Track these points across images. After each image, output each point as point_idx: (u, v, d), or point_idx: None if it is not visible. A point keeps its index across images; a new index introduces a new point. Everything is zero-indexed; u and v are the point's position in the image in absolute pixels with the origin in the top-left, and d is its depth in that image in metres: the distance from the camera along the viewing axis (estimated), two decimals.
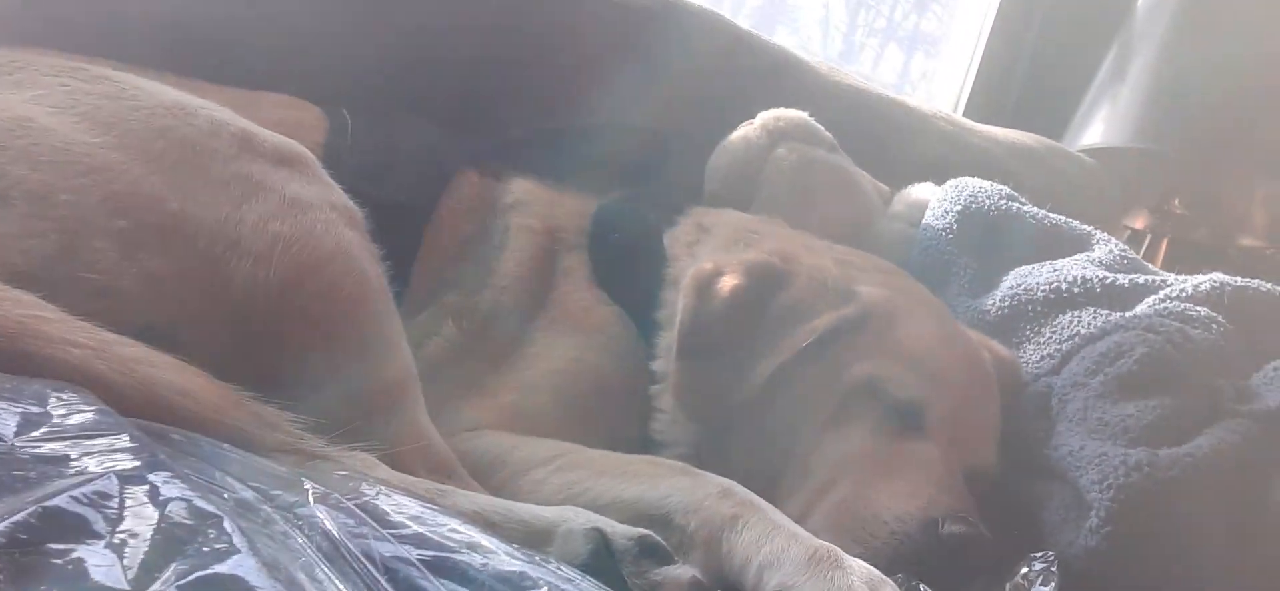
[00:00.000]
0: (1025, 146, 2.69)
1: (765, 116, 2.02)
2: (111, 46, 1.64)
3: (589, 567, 1.03)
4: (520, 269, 1.58)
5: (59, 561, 0.57)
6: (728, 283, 1.44)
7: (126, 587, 0.57)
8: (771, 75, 2.35)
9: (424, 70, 1.95)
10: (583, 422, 1.45)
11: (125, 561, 0.59)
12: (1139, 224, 3.21)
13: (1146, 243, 3.15)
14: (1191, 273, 2.68)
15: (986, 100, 3.45)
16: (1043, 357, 1.67)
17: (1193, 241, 3.19)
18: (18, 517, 0.57)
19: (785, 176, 1.95)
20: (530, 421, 1.41)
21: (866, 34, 4.51)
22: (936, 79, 3.86)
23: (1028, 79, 3.45)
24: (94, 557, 0.58)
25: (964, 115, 3.43)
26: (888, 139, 2.43)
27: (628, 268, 1.60)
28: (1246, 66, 2.79)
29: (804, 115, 2.04)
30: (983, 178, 2.35)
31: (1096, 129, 3.01)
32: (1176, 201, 3.12)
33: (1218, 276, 1.70)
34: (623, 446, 1.43)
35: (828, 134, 2.05)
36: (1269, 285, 1.70)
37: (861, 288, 1.48)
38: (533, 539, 1.06)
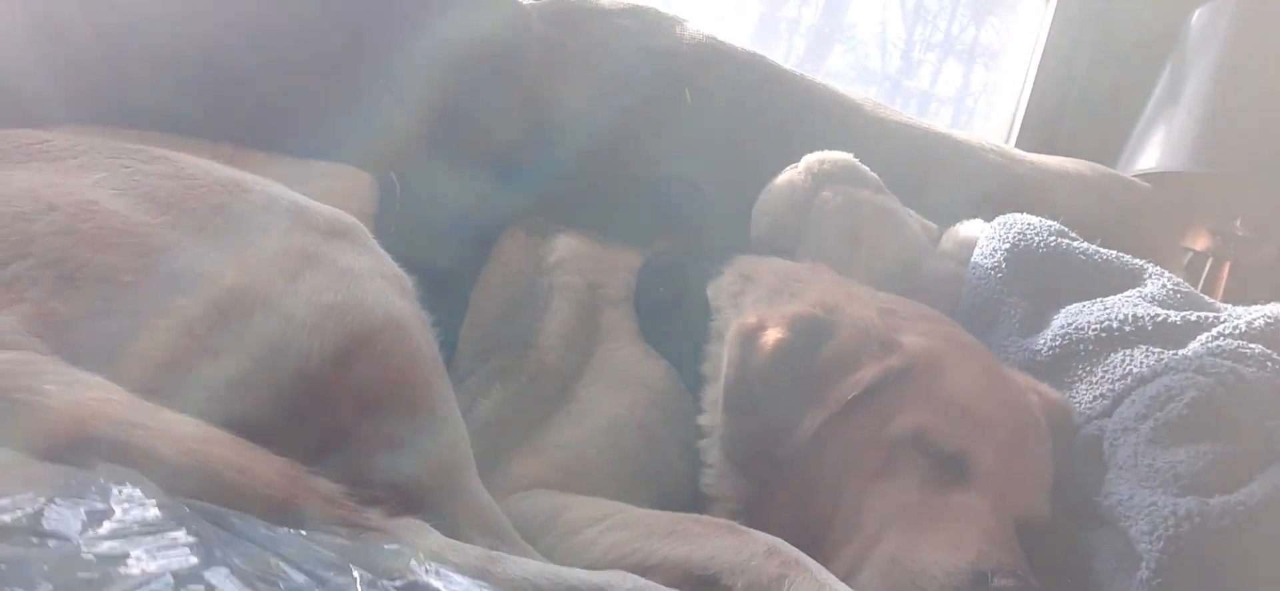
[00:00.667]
0: (1077, 174, 2.67)
1: (810, 159, 2.03)
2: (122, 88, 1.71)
3: None
4: (565, 328, 1.61)
5: None
6: (772, 335, 1.45)
7: None
8: (817, 116, 2.36)
9: (468, 128, 1.99)
10: (632, 478, 1.47)
11: None
12: (1200, 245, 3.16)
13: (1208, 265, 3.10)
14: (1258, 298, 2.66)
15: (1042, 117, 3.43)
16: (1095, 398, 1.66)
17: (1258, 263, 3.14)
18: None
19: (831, 219, 1.96)
20: (580, 478, 1.44)
21: (924, 49, 4.50)
22: (996, 92, 3.84)
23: (1081, 100, 3.43)
24: None
25: (1020, 135, 3.42)
26: (936, 175, 2.42)
27: (673, 321, 1.62)
28: None
29: (849, 156, 2.05)
30: (1033, 209, 2.34)
31: (1152, 153, 2.98)
32: (1238, 222, 3.07)
33: (1273, 310, 1.67)
34: (673, 500, 1.45)
35: (873, 174, 2.06)
36: None
37: (906, 337, 1.49)
38: None
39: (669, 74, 2.23)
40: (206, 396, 1.16)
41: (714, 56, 2.30)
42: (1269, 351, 1.59)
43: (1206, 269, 3.08)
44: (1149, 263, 1.96)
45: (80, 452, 0.94)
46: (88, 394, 1.03)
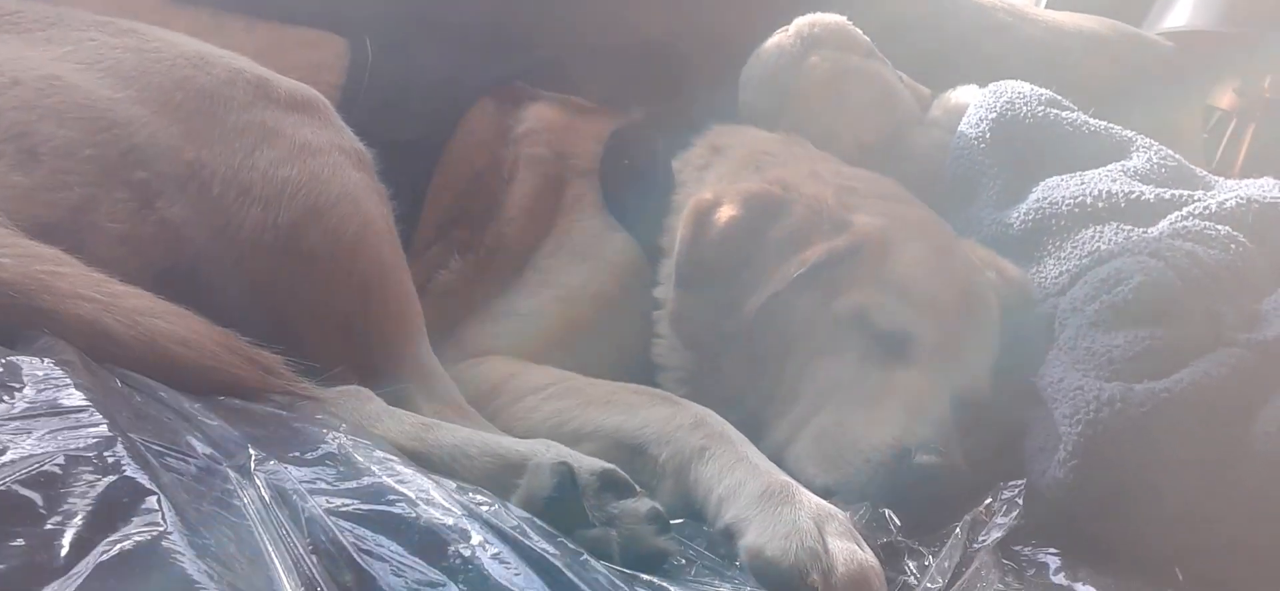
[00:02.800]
0: (1092, 32, 2.61)
1: (800, 22, 2.01)
2: None
3: (554, 500, 1.11)
4: (528, 200, 1.65)
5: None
6: (725, 213, 1.48)
7: (59, 563, 0.68)
8: None
9: None
10: (588, 347, 1.52)
11: (60, 542, 0.69)
12: (1225, 103, 3.09)
13: (1232, 126, 3.04)
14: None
15: None
16: (1060, 273, 1.66)
17: None
18: None
19: (817, 85, 1.95)
20: (535, 346, 1.50)
21: None
22: None
23: None
24: (33, 540, 0.69)
25: None
26: (941, 34, 2.39)
27: (636, 194, 1.65)
28: None
29: (841, 20, 2.02)
30: (1042, 70, 2.31)
31: (1182, 10, 2.90)
32: (1267, 82, 3.00)
33: (1246, 191, 1.66)
34: (629, 369, 1.51)
35: (865, 38, 2.03)
36: None
37: (858, 217, 1.50)
38: (506, 471, 1.15)
39: None
40: (161, 267, 1.22)
41: None
42: (1235, 233, 1.59)
43: (1230, 128, 3.02)
44: (1139, 136, 1.94)
45: (29, 324, 1.01)
46: (39, 266, 1.08)
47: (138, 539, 0.72)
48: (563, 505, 1.11)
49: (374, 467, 0.98)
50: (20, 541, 0.70)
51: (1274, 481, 1.29)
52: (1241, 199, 1.64)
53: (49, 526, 0.71)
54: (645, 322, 1.57)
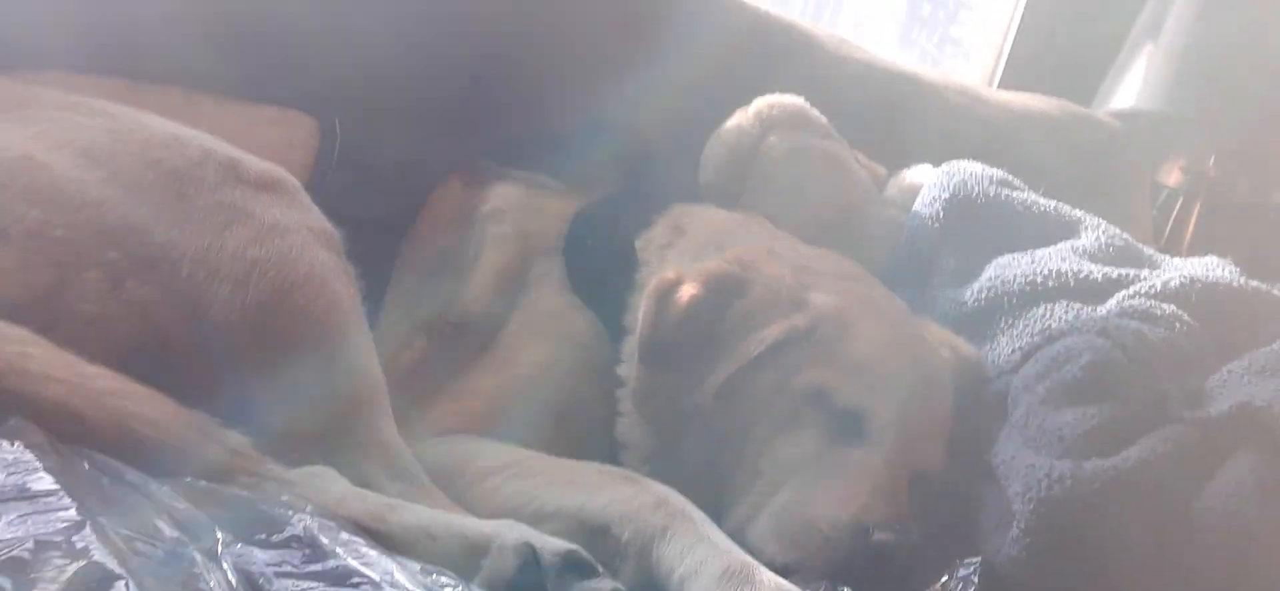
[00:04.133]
0: (1042, 113, 2.69)
1: (759, 103, 2.06)
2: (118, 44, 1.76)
3: (518, 581, 1.14)
4: (493, 278, 1.67)
5: None
6: (686, 291, 1.51)
7: None
8: (780, 55, 2.38)
9: (427, 68, 2.02)
10: (551, 426, 1.55)
11: None
12: (1172, 181, 3.19)
13: (1179, 204, 3.13)
14: (1229, 238, 2.71)
15: (1025, 59, 3.42)
16: (1014, 351, 1.71)
17: (1229, 203, 3.16)
18: None
19: (776, 165, 2.00)
20: (499, 425, 1.52)
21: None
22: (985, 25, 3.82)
23: (1068, 38, 3.41)
24: None
25: (1002, 78, 3.41)
26: (896, 114, 2.46)
27: (600, 273, 1.68)
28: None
29: (799, 101, 2.08)
30: (994, 150, 2.38)
31: (1130, 90, 2.99)
32: (1211, 161, 3.09)
33: (1190, 270, 1.72)
34: (592, 446, 1.53)
35: (822, 119, 2.09)
36: (1244, 280, 1.72)
37: (816, 296, 1.54)
38: (470, 552, 1.17)
39: (625, 11, 2.25)
40: (130, 346, 1.24)
41: None
42: (1179, 311, 1.64)
43: (1178, 205, 3.10)
44: (1087, 215, 2.00)
45: None
46: (9, 347, 1.10)
47: None
48: (526, 586, 1.13)
49: (339, 550, 0.99)
50: None
51: (1218, 557, 1.33)
52: (1185, 278, 1.70)
53: None
54: (608, 400, 1.59)
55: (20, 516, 0.81)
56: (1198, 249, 3.10)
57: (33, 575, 0.76)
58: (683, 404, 1.49)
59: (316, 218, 1.46)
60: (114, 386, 1.14)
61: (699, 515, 1.28)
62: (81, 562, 0.78)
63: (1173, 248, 3.10)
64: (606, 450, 1.55)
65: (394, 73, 1.93)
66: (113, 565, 0.79)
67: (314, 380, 1.34)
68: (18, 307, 1.18)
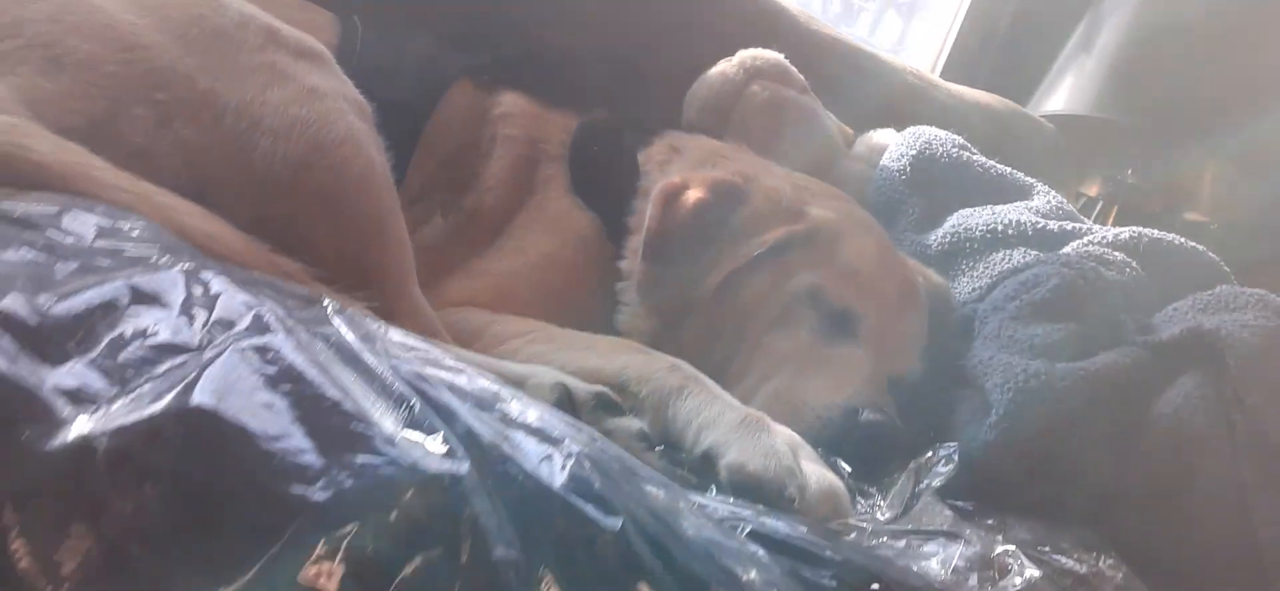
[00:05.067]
0: (988, 106, 2.87)
1: (744, 55, 2.18)
2: None
3: None
4: (504, 173, 1.76)
5: (143, 319, 0.75)
6: (693, 195, 1.61)
7: (195, 344, 0.75)
8: (756, 20, 2.51)
9: None
10: (556, 309, 1.62)
11: (192, 326, 0.77)
12: (1093, 191, 3.39)
13: (1098, 209, 3.33)
14: None
15: (964, 62, 3.61)
16: (974, 288, 1.84)
17: (1143, 212, 3.37)
18: (114, 285, 0.75)
19: (757, 111, 2.11)
20: (508, 303, 1.59)
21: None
22: (924, 40, 4.00)
23: (1005, 45, 3.61)
24: (168, 320, 0.76)
25: (943, 75, 3.60)
26: (858, 86, 2.60)
27: (603, 178, 1.77)
28: (1206, 47, 2.96)
29: (779, 57, 2.20)
30: (946, 127, 2.53)
31: (1061, 95, 3.19)
32: (1130, 171, 3.30)
33: (1137, 228, 1.88)
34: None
35: (800, 76, 2.22)
36: (1183, 239, 1.88)
37: (812, 208, 1.66)
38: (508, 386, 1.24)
39: None
40: (172, 185, 1.28)
41: None
42: (1128, 259, 1.79)
43: (1096, 211, 3.30)
44: (1039, 182, 2.16)
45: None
46: (74, 156, 1.14)
47: (256, 335, 0.79)
48: None
49: (414, 346, 1.05)
50: (153, 324, 0.76)
51: (1167, 457, 1.47)
52: (1133, 233, 1.86)
53: (178, 315, 0.78)
54: (607, 293, 1.68)
55: (157, 253, 0.87)
56: None
57: (181, 295, 0.81)
58: (684, 296, 1.58)
59: (350, 88, 1.51)
60: (174, 203, 1.18)
61: (708, 379, 1.37)
62: (219, 293, 0.84)
63: None
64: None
65: None
66: (245, 295, 0.84)
67: (347, 234, 1.39)
68: (69, 132, 1.21)
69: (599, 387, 1.25)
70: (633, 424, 1.23)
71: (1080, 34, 3.20)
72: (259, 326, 0.80)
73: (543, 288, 1.65)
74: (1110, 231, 1.87)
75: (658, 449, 1.26)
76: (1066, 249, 1.84)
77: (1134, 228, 1.88)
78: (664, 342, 1.60)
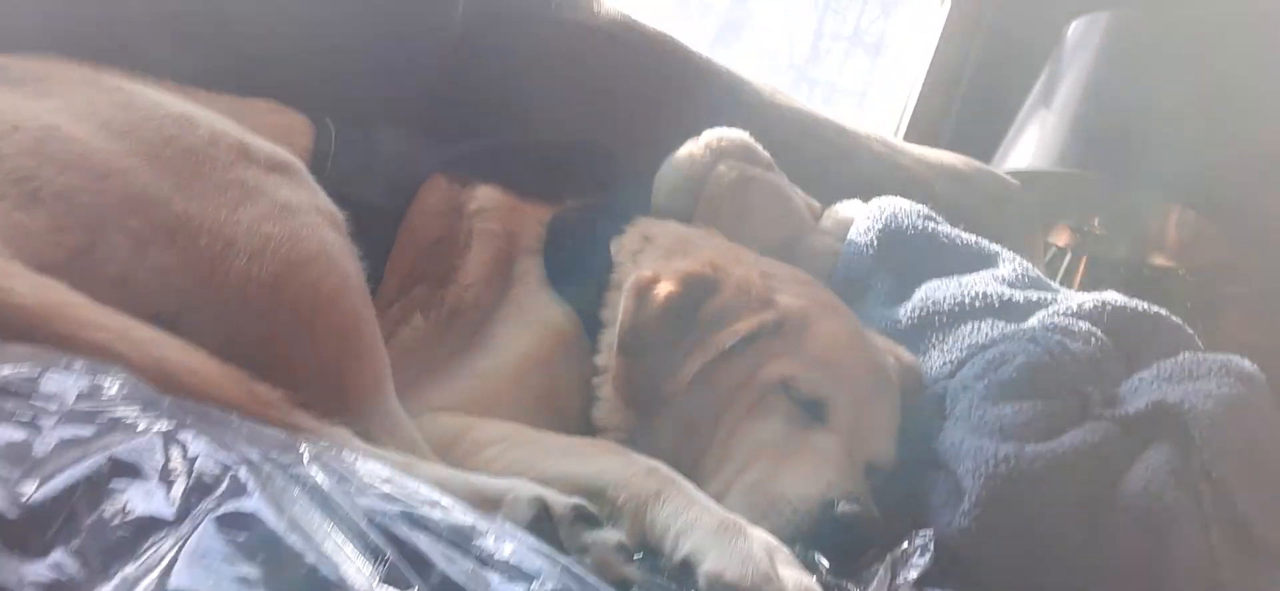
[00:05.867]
0: (953, 167, 2.91)
1: (709, 135, 2.21)
2: (110, 41, 1.82)
3: (532, 530, 1.22)
4: (482, 269, 1.78)
5: (122, 495, 0.76)
6: (664, 289, 1.63)
7: (173, 517, 0.76)
8: (720, 96, 2.55)
9: (397, 83, 2.13)
10: (534, 407, 1.64)
11: (170, 496, 0.78)
12: (1061, 241, 3.45)
13: (1067, 260, 3.38)
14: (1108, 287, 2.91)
15: (931, 113, 3.68)
16: (945, 363, 1.88)
17: (1111, 259, 3.43)
18: (93, 461, 0.76)
19: (724, 192, 2.14)
20: (487, 405, 1.61)
21: (832, 39, 4.70)
22: (892, 84, 4.06)
23: (968, 96, 3.68)
24: (147, 492, 0.77)
25: (908, 129, 3.66)
26: (824, 158, 2.64)
27: (577, 271, 1.79)
28: (1164, 97, 3.02)
29: (745, 135, 2.24)
30: (911, 196, 2.57)
31: (1025, 151, 3.24)
32: (1096, 221, 3.36)
33: (1103, 296, 1.91)
34: (568, 429, 1.63)
35: (766, 153, 2.25)
36: (1146, 306, 1.92)
37: (781, 296, 1.69)
38: (484, 505, 1.24)
39: (581, 47, 2.40)
40: (151, 312, 1.29)
41: (626, 34, 2.48)
42: (1093, 329, 1.83)
43: (1065, 262, 3.35)
44: (1004, 249, 2.19)
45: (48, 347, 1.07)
46: (53, 295, 1.15)
47: (233, 500, 0.81)
48: (540, 535, 1.22)
49: (390, 477, 1.07)
50: (132, 499, 0.78)
51: (1138, 532, 1.50)
52: (1097, 302, 1.89)
53: (156, 485, 0.80)
54: (585, 387, 1.70)
55: (135, 414, 0.88)
56: None
57: (159, 460, 0.82)
58: (659, 390, 1.60)
59: (323, 199, 1.53)
60: (152, 336, 1.19)
61: (687, 482, 1.39)
62: (197, 454, 0.85)
63: None
64: (581, 430, 1.65)
65: (373, 83, 2.03)
66: (223, 456, 0.86)
67: (323, 350, 1.41)
68: (50, 267, 1.22)
69: (576, 500, 1.26)
70: (611, 536, 1.24)
71: (1041, 89, 3.27)
72: (235, 488, 0.82)
73: (521, 386, 1.67)
74: (1074, 300, 1.91)
75: (637, 557, 1.27)
76: (1032, 320, 1.87)
77: (1098, 296, 1.91)
78: (641, 435, 1.63)
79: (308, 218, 1.48)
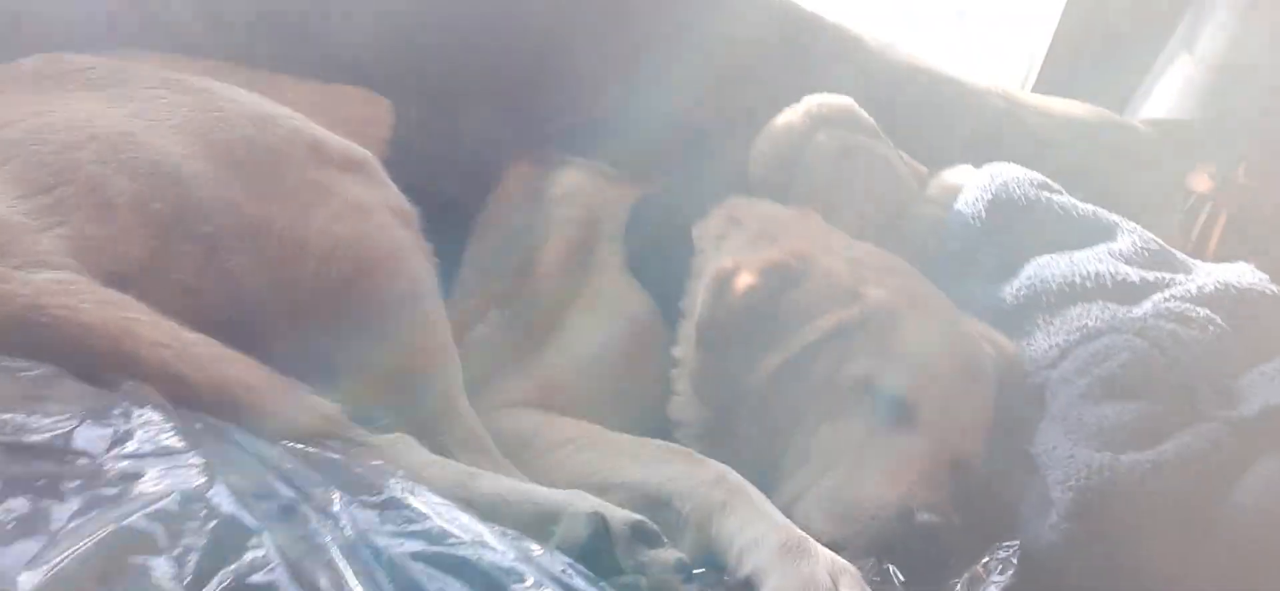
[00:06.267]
0: (1079, 119, 2.74)
1: (809, 101, 2.13)
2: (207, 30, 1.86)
3: (589, 547, 1.21)
4: (560, 259, 1.75)
5: (134, 569, 0.77)
6: (744, 280, 1.58)
7: None
8: (827, 55, 2.45)
9: (486, 54, 2.11)
10: (611, 401, 1.62)
11: (183, 570, 0.78)
12: (1201, 187, 3.23)
13: (1206, 212, 3.16)
14: (1256, 248, 2.75)
15: (1062, 63, 3.47)
16: (1051, 347, 1.78)
17: (1256, 212, 3.20)
18: (103, 534, 0.77)
19: (824, 162, 2.06)
20: (562, 399, 1.59)
21: None
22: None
23: (1104, 45, 3.45)
24: (159, 568, 0.77)
25: (1039, 79, 3.46)
26: (939, 115, 2.52)
27: (659, 259, 1.75)
28: None
29: (847, 101, 2.14)
30: (1034, 152, 2.44)
31: (1162, 99, 3.03)
32: (1241, 170, 3.13)
33: (1223, 276, 1.78)
34: (646, 422, 1.61)
35: (869, 119, 2.15)
36: (1274, 288, 1.78)
37: (867, 289, 1.61)
38: (543, 519, 1.24)
39: (679, 8, 2.32)
40: (222, 317, 1.31)
41: None
42: (1213, 314, 1.70)
43: (1205, 212, 3.14)
44: (1124, 220, 2.06)
45: (111, 367, 1.09)
46: (119, 313, 1.17)
47: (250, 574, 0.81)
48: (597, 552, 1.21)
49: (431, 513, 1.06)
50: (148, 570, 0.78)
51: (1251, 549, 1.40)
52: (1219, 284, 1.76)
53: (173, 557, 0.80)
54: (665, 380, 1.66)
55: (164, 471, 0.89)
56: (1223, 257, 3.14)
57: (178, 527, 0.83)
58: (737, 386, 1.56)
59: (395, 197, 1.53)
60: (214, 352, 1.21)
61: (755, 492, 1.36)
62: (219, 518, 0.85)
63: (1198, 254, 3.14)
64: (661, 427, 1.62)
65: (461, 60, 2.01)
66: (248, 519, 0.86)
67: (394, 353, 1.41)
68: (121, 276, 1.25)
69: (635, 517, 1.24)
70: (669, 555, 1.22)
71: (1180, 35, 3.04)
72: (255, 564, 0.81)
73: (597, 379, 1.65)
74: (1194, 283, 1.78)
75: (697, 573, 1.25)
76: (1146, 305, 1.75)
77: (1219, 278, 1.77)
78: (718, 433, 1.59)
79: (379, 217, 1.48)
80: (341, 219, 1.44)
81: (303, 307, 1.39)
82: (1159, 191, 2.88)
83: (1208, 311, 1.71)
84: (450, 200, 1.67)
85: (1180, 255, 2.07)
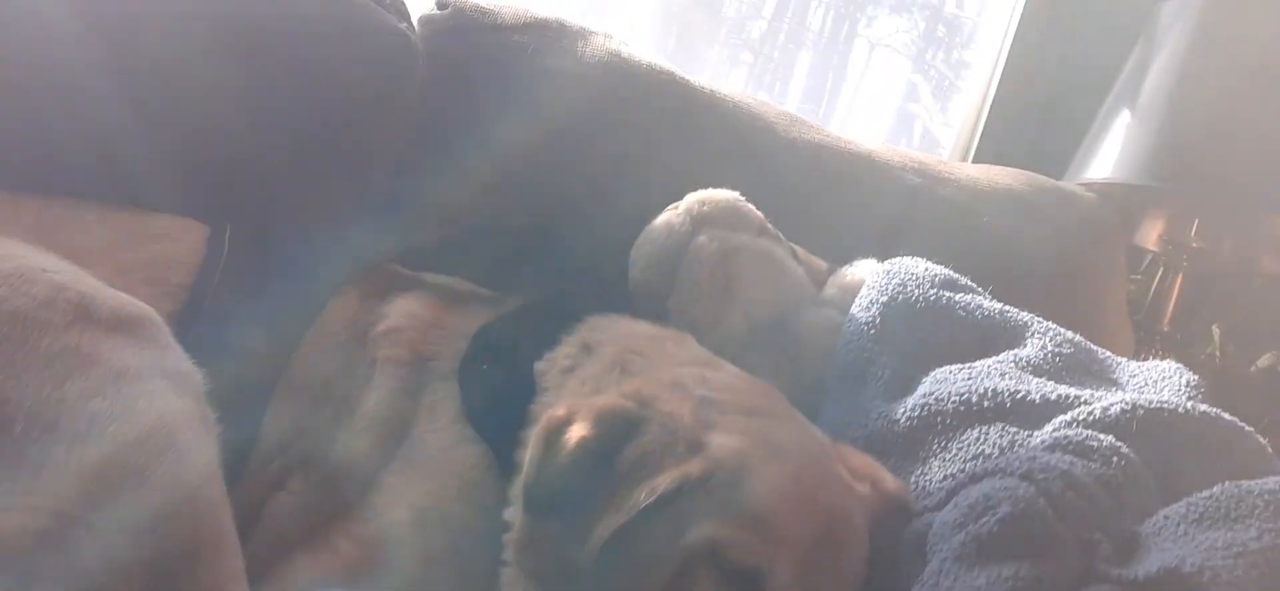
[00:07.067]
0: (1006, 189, 2.56)
1: (690, 200, 1.96)
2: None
3: None
4: (381, 409, 1.56)
5: None
6: (576, 432, 1.39)
7: None
8: (724, 136, 2.28)
9: (354, 162, 1.95)
10: (430, 574, 1.44)
11: None
12: (1152, 244, 3.07)
13: (1161, 273, 3.00)
14: (1218, 308, 2.56)
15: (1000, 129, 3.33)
16: (944, 479, 1.60)
17: (1215, 269, 3.04)
18: None
19: (706, 265, 1.89)
20: (376, 576, 1.41)
21: None
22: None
23: (1049, 96, 3.31)
24: None
25: (981, 138, 3.31)
26: (849, 197, 2.35)
27: (494, 401, 1.57)
28: (1260, 97, 2.63)
29: (732, 197, 1.97)
30: (957, 228, 2.29)
31: (1104, 163, 2.86)
32: (1193, 229, 2.96)
33: (1131, 398, 1.60)
34: None
35: (757, 214, 1.98)
36: (1192, 405, 1.60)
37: (716, 437, 1.42)
38: None
39: (567, 97, 2.16)
40: None
41: (617, 75, 2.22)
42: (1118, 443, 1.52)
43: (1157, 277, 2.98)
44: (1036, 319, 1.88)
45: None
46: None
47: None
48: None
49: None
50: None
51: None
52: (1125, 406, 1.58)
53: None
54: (496, 545, 1.48)
55: None
56: (1181, 318, 2.97)
57: None
58: (567, 557, 1.37)
59: (174, 359, 1.37)
60: None
61: None
62: None
63: (1156, 316, 2.98)
64: None
65: (290, 174, 1.85)
66: None
67: (155, 545, 1.24)
68: None
69: None
70: None
71: (1124, 86, 2.87)
72: None
73: (418, 551, 1.46)
74: (1099, 405, 1.59)
75: None
76: (1046, 429, 1.58)
77: (1127, 399, 1.59)
78: None
79: (146, 385, 1.31)
80: (100, 391, 1.28)
81: (52, 500, 1.22)
82: (1105, 256, 2.72)
83: (1112, 438, 1.53)
84: (260, 347, 1.50)
85: (1101, 354, 1.90)
